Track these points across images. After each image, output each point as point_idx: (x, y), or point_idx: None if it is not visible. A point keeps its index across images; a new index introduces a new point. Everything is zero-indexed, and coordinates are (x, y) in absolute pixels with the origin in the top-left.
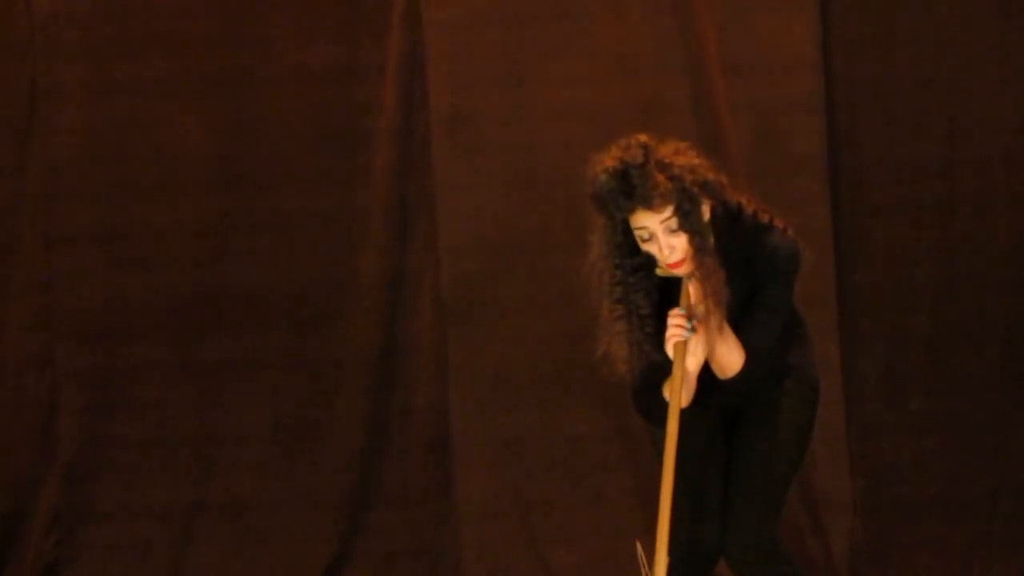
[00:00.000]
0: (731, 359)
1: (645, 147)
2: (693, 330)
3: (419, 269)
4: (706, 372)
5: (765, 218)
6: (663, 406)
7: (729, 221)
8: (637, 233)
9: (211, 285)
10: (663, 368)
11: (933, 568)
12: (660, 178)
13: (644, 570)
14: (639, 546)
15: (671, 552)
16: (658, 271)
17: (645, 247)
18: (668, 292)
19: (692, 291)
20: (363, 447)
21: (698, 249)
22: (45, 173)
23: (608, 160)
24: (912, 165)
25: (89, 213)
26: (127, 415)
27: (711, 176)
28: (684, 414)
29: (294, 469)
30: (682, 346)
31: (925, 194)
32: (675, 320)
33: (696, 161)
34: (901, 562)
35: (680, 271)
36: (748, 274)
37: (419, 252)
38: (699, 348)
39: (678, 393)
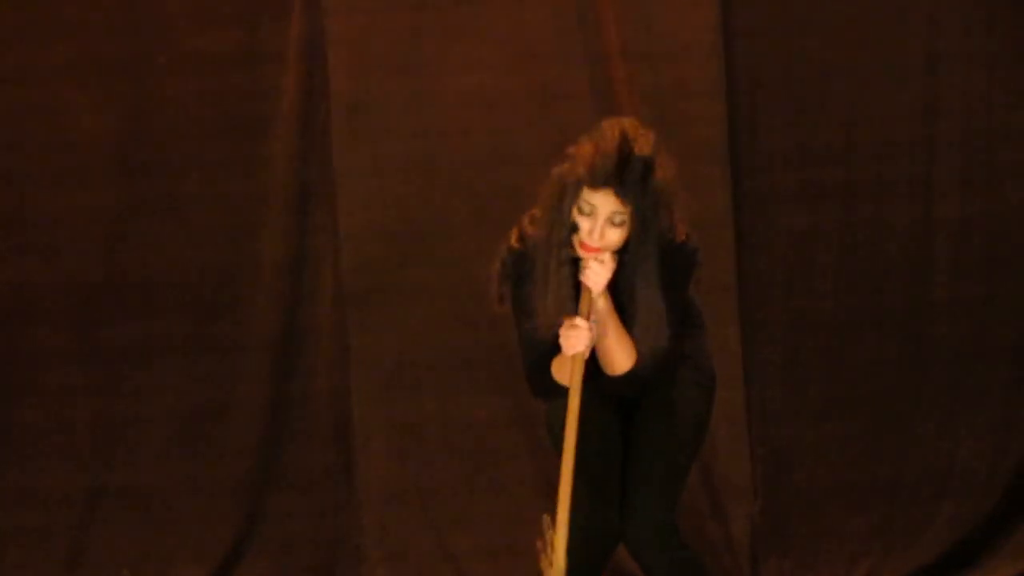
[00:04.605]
0: (621, 359)
1: (655, 152)
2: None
3: (319, 255)
4: (596, 364)
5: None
6: (552, 381)
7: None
8: (580, 203)
9: (111, 271)
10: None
11: (833, 553)
12: (649, 181)
13: (547, 542)
14: (546, 519)
15: (570, 539)
16: (568, 251)
17: (578, 218)
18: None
19: (588, 290)
20: (264, 432)
21: (627, 250)
22: None
23: (621, 135)
24: (812, 151)
25: None
26: (27, 401)
27: (677, 200)
28: (582, 401)
29: (195, 454)
30: (580, 357)
31: (825, 180)
32: (576, 330)
33: (675, 185)
34: (801, 547)
35: (588, 255)
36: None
37: (319, 238)
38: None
39: (576, 406)
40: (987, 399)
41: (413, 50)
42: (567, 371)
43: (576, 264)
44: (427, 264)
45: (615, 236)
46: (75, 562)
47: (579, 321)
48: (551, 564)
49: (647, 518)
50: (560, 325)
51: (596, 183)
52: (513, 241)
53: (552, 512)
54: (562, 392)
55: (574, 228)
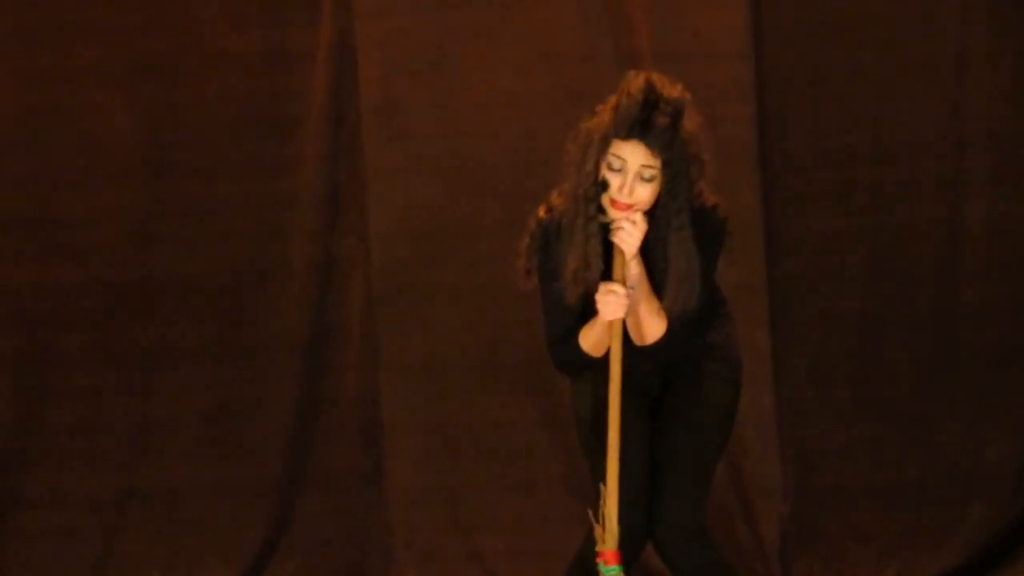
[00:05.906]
0: (653, 327)
1: (684, 97)
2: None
3: (349, 256)
4: (625, 344)
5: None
6: (578, 352)
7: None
8: (610, 158)
9: (140, 272)
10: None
11: (862, 555)
12: (678, 129)
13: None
14: (600, 487)
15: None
16: (596, 208)
17: (608, 175)
18: None
19: (622, 253)
20: (293, 434)
21: (658, 206)
22: None
23: (647, 82)
24: (842, 152)
25: (18, 200)
26: (57, 402)
27: (707, 154)
28: (605, 400)
29: (224, 456)
30: (619, 323)
31: (854, 181)
32: (614, 296)
33: (703, 140)
34: (831, 549)
35: (620, 214)
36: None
37: (349, 239)
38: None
39: (617, 372)
40: (1015, 401)
41: (442, 51)
42: (594, 340)
43: (606, 229)
44: (456, 265)
45: (646, 192)
46: (104, 563)
47: (616, 286)
48: (605, 530)
49: (675, 516)
50: (590, 284)
51: (623, 131)
52: (541, 213)
53: (578, 523)
54: (587, 365)
55: (604, 186)
